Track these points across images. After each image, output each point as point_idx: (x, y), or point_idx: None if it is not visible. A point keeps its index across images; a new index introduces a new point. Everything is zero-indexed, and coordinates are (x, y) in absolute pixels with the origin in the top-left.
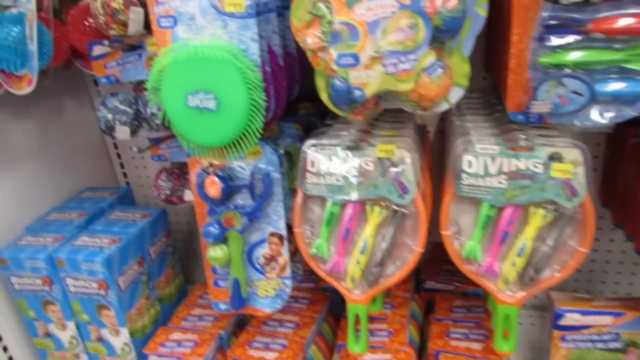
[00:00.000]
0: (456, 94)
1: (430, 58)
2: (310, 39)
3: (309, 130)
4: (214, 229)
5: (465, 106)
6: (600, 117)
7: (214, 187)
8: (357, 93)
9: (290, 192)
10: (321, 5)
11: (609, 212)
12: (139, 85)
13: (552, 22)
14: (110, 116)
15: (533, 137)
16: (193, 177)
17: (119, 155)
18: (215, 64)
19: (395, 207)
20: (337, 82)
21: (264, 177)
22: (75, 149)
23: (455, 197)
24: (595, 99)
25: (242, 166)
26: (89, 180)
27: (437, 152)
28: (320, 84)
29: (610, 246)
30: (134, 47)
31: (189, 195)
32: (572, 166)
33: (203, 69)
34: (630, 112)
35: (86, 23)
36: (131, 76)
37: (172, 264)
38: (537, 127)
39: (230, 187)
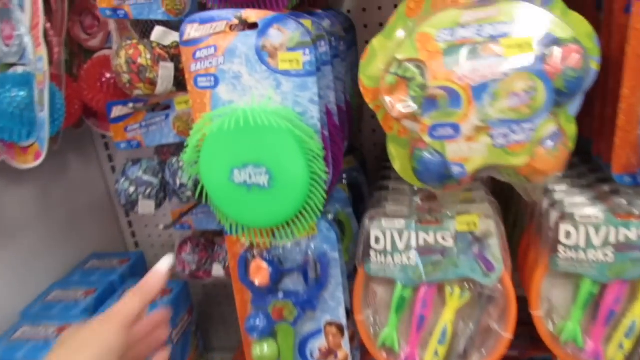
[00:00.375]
0: (565, 164)
1: (550, 127)
2: (395, 105)
3: (354, 189)
4: (260, 323)
5: None
6: None
7: (261, 274)
8: (455, 170)
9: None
10: (410, 66)
11: None
12: (164, 150)
13: None
14: (132, 189)
15: (636, 200)
16: (233, 261)
17: (127, 213)
18: (268, 133)
19: (479, 288)
20: (427, 156)
21: (321, 258)
22: (78, 212)
23: (548, 272)
24: None
25: (293, 245)
26: (94, 245)
27: None
28: (394, 151)
29: None
30: (159, 106)
31: (218, 270)
32: None
33: (254, 139)
34: None
35: (103, 79)
36: (156, 140)
37: (195, 345)
38: (637, 188)
39: (280, 272)
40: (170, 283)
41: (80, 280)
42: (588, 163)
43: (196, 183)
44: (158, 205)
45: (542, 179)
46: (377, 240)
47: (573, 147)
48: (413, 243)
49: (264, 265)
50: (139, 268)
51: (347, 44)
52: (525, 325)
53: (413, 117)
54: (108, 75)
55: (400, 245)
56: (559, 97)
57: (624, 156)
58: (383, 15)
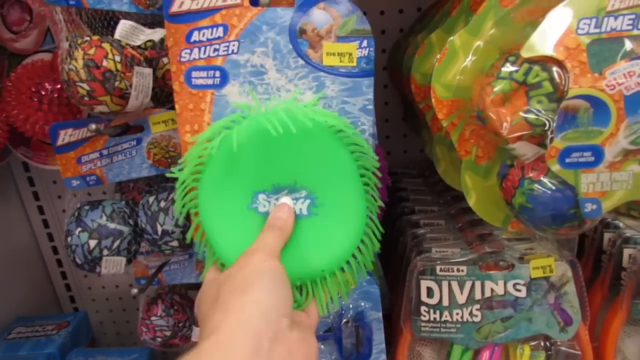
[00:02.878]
0: None
1: None
2: (510, 120)
3: None
4: None
5: None
6: None
7: None
8: (588, 207)
9: None
10: (536, 68)
11: None
12: (130, 186)
13: None
14: (93, 243)
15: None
16: None
17: (59, 263)
18: (316, 143)
19: (551, 347)
20: (548, 190)
21: (360, 320)
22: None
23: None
24: None
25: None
26: (19, 307)
27: None
28: (470, 182)
29: None
30: (128, 128)
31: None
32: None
33: (290, 152)
34: None
35: (41, 92)
36: (124, 174)
37: None
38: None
39: None
40: (134, 352)
41: (3, 357)
42: None
43: (185, 227)
44: (129, 261)
45: None
46: (429, 293)
47: None
48: (477, 295)
49: None
50: (83, 335)
51: None
52: None
53: (534, 137)
54: (48, 87)
55: (461, 298)
56: None
57: None
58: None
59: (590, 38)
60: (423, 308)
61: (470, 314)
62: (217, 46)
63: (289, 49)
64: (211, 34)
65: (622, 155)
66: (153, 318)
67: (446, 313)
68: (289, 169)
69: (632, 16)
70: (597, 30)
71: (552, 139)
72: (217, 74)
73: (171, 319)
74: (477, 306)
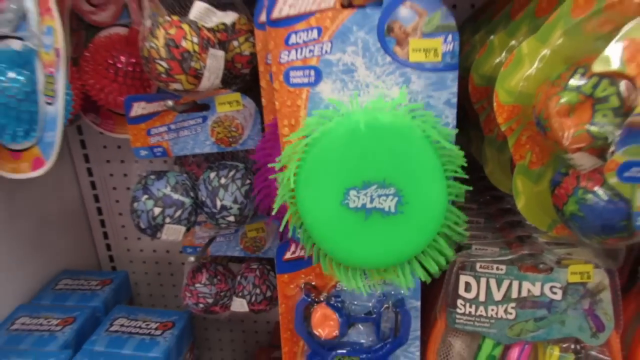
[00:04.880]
0: None
1: None
2: (572, 132)
3: None
4: None
5: None
6: None
7: (329, 325)
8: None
9: None
10: (606, 83)
11: None
12: (189, 160)
13: None
14: (157, 210)
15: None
16: (285, 304)
17: (102, 223)
18: (403, 142)
19: (586, 352)
20: (603, 201)
21: (400, 306)
22: (46, 222)
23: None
24: None
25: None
26: (65, 260)
27: None
28: (522, 185)
29: None
30: (195, 106)
31: (240, 305)
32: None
33: (380, 149)
34: None
35: (117, 64)
36: (188, 148)
37: None
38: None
39: (349, 321)
40: (169, 313)
41: (52, 305)
42: None
43: (245, 204)
44: (187, 230)
45: None
46: (467, 287)
47: None
48: (514, 294)
49: (333, 314)
50: (124, 293)
51: None
52: None
53: (594, 149)
54: (124, 60)
55: (498, 295)
56: None
57: None
58: None
59: None
60: (460, 301)
61: (505, 311)
62: (312, 47)
63: (377, 47)
64: (307, 36)
65: None
66: (197, 285)
67: (482, 308)
68: (378, 166)
69: None
70: None
71: (612, 153)
72: (312, 72)
73: (214, 287)
74: (513, 304)
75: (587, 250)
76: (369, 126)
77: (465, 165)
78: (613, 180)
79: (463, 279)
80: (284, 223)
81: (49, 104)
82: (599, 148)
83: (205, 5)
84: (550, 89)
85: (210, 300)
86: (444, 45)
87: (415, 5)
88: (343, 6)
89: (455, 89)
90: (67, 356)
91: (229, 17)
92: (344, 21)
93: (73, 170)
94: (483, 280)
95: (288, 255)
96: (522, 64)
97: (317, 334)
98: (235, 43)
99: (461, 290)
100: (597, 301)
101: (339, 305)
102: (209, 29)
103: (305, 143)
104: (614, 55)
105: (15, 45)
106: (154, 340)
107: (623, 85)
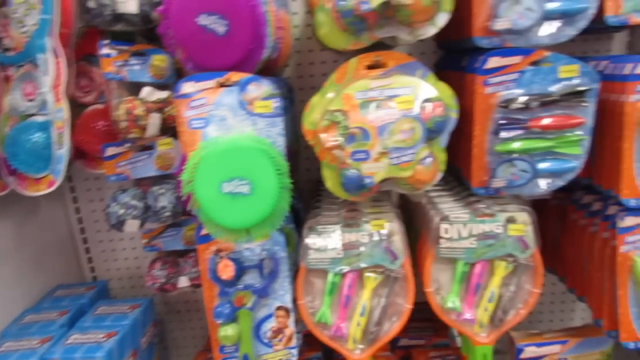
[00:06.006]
0: (438, 176)
1: (425, 152)
2: (328, 139)
3: (294, 213)
4: (225, 309)
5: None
6: (541, 187)
7: (227, 270)
8: (367, 181)
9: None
10: (338, 114)
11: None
12: (143, 182)
13: (503, 121)
14: (122, 211)
15: (492, 205)
16: (204, 263)
17: (87, 250)
18: (251, 153)
19: (389, 272)
20: (350, 173)
21: (272, 257)
22: (46, 247)
23: (434, 259)
24: (537, 174)
25: (251, 248)
26: (57, 278)
27: None
28: (327, 174)
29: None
30: (144, 147)
31: (183, 282)
32: (523, 226)
33: (240, 158)
34: (560, 183)
35: (97, 126)
36: (140, 173)
37: (158, 355)
38: (492, 197)
39: (242, 269)
40: (137, 300)
41: (50, 306)
42: (461, 183)
43: (174, 205)
44: (141, 225)
45: (422, 186)
46: (314, 242)
47: (444, 168)
48: (340, 242)
49: (230, 262)
50: (104, 294)
51: (288, 102)
52: (430, 321)
53: (340, 147)
54: (101, 123)
55: (332, 243)
56: (430, 133)
57: (479, 176)
58: (314, 81)
59: (361, 100)
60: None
61: (337, 253)
62: (203, 108)
63: (237, 106)
64: (200, 102)
65: (379, 154)
66: (154, 271)
67: (323, 253)
68: (238, 168)
69: (380, 90)
70: (364, 97)
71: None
72: (204, 121)
73: (166, 271)
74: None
75: (390, 214)
76: (231, 147)
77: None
78: (349, 161)
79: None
80: (189, 207)
81: (59, 149)
82: (340, 147)
83: (150, 88)
84: (320, 120)
85: (163, 280)
86: (274, 104)
87: (257, 84)
88: (220, 85)
89: (282, 126)
90: (64, 331)
91: (164, 94)
92: (220, 94)
93: (64, 209)
94: (323, 235)
95: (203, 232)
96: (314, 109)
97: (221, 277)
98: (167, 109)
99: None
100: (391, 241)
101: (235, 258)
102: (151, 102)
103: (198, 157)
104: (339, 101)
105: (40, 118)
106: (125, 315)
107: (346, 115)
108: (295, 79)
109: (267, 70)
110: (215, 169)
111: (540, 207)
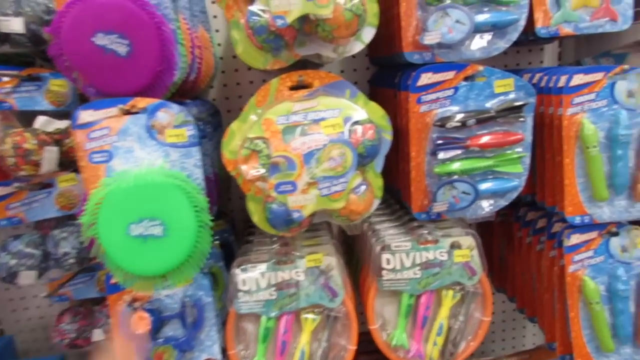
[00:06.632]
0: (374, 205)
1: (357, 179)
2: (249, 171)
3: (225, 248)
4: None
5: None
6: (484, 209)
7: (143, 322)
8: (295, 215)
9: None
10: (259, 142)
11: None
12: (44, 224)
13: (440, 141)
14: (13, 262)
15: (434, 231)
16: (115, 317)
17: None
18: (162, 190)
19: (328, 312)
20: (275, 207)
21: (196, 303)
22: None
23: (378, 293)
24: (479, 196)
25: (170, 295)
26: None
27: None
28: (252, 207)
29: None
30: (41, 185)
31: (98, 335)
32: (469, 251)
33: (149, 196)
34: (503, 203)
35: None
36: (38, 215)
37: None
38: (434, 221)
39: (161, 320)
40: (49, 358)
41: None
42: (403, 207)
43: (79, 250)
44: (39, 275)
45: (358, 217)
46: (243, 282)
47: (381, 195)
48: (273, 281)
49: (146, 314)
50: (7, 352)
51: (213, 126)
52: (379, 353)
53: (263, 179)
54: None
55: (263, 284)
56: (362, 159)
57: (418, 200)
58: (242, 102)
59: (284, 126)
60: (240, 293)
61: (270, 294)
62: (105, 139)
63: (146, 136)
64: (101, 132)
65: (307, 185)
66: (62, 325)
67: (254, 295)
68: (147, 207)
69: (304, 114)
70: (287, 122)
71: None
72: (107, 154)
73: (76, 324)
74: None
75: (327, 246)
76: (139, 183)
77: (207, 205)
78: (274, 194)
79: (241, 277)
80: (92, 253)
81: None
82: (264, 179)
83: (45, 117)
84: (239, 148)
85: (73, 335)
86: (188, 132)
87: (167, 110)
88: (124, 113)
89: (199, 156)
90: None
91: (63, 123)
92: (124, 122)
93: None
94: (252, 276)
95: (113, 280)
96: (234, 136)
97: (135, 331)
98: (67, 140)
99: (240, 286)
100: (329, 277)
101: (152, 308)
102: (47, 133)
103: (100, 196)
104: (259, 127)
105: None
106: None
107: (268, 142)
108: (222, 100)
109: (187, 93)
110: (120, 209)
111: (485, 224)
